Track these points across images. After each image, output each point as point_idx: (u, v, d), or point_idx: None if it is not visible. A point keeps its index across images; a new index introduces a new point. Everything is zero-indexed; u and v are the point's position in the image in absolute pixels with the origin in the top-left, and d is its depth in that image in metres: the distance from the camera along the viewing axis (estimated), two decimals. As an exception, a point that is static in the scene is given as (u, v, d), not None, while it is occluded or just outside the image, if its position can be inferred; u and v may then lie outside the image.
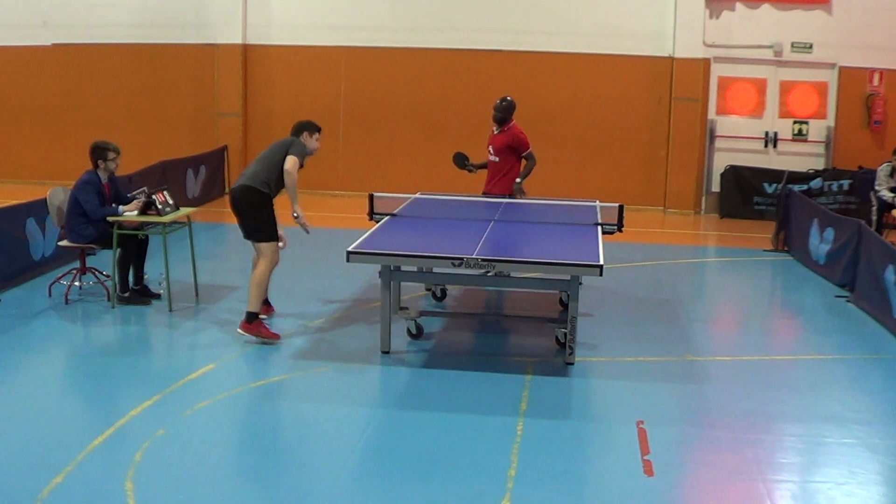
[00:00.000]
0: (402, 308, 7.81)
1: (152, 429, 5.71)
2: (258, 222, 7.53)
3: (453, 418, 6.07)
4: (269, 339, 7.51)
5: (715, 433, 6.04)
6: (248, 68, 15.77)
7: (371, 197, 8.71)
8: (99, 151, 8.50)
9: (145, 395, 6.29)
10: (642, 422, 6.06)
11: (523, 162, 9.65)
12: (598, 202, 9.50)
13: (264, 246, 7.56)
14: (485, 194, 9.70)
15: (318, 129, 7.93)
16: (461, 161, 9.91)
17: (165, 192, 8.64)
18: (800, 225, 11.63)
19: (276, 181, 7.54)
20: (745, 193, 14.95)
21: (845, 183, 14.50)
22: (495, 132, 9.70)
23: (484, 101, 15.43)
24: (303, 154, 7.61)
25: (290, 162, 7.42)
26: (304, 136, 7.76)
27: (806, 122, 15.11)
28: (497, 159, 9.62)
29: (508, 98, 9.68)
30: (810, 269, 10.91)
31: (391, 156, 15.53)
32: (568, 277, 7.11)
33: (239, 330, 7.50)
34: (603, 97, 15.12)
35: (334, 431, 5.88)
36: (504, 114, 9.60)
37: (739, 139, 15.20)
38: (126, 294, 8.55)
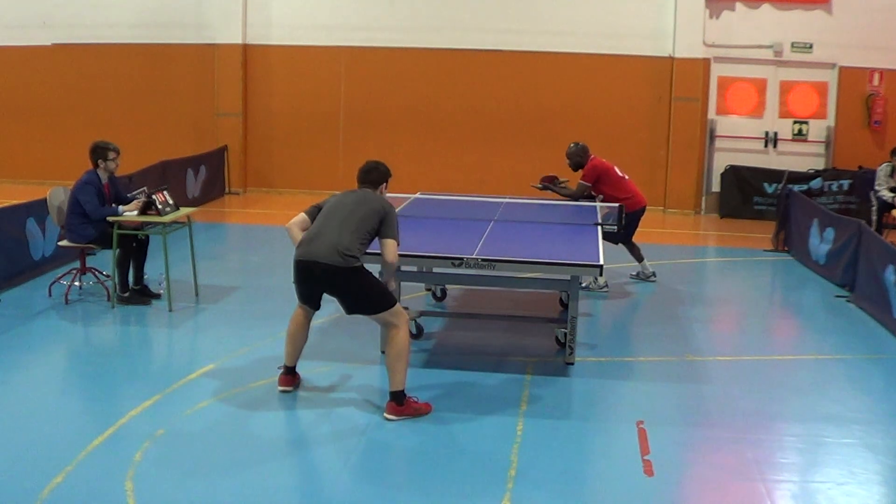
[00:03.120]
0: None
1: (152, 429, 5.71)
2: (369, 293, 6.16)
3: (453, 418, 6.07)
4: (425, 412, 6.15)
5: (715, 433, 6.04)
6: (248, 68, 15.77)
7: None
8: (99, 151, 8.51)
9: (145, 395, 6.29)
10: (642, 422, 6.06)
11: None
12: (598, 202, 9.51)
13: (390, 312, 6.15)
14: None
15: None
16: (551, 183, 9.93)
17: (165, 192, 8.64)
18: (800, 225, 11.62)
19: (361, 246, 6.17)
20: (745, 193, 14.96)
21: (845, 183, 14.50)
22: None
23: (484, 100, 15.62)
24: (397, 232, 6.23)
25: (392, 254, 6.13)
26: (382, 189, 6.62)
27: (806, 122, 15.12)
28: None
29: (571, 145, 9.89)
30: (810, 269, 10.90)
31: (391, 156, 15.30)
32: (568, 277, 7.12)
33: (389, 416, 6.03)
34: (603, 97, 15.12)
35: (334, 431, 5.87)
36: (572, 160, 9.82)
37: (739, 139, 15.21)
38: (126, 294, 8.55)
